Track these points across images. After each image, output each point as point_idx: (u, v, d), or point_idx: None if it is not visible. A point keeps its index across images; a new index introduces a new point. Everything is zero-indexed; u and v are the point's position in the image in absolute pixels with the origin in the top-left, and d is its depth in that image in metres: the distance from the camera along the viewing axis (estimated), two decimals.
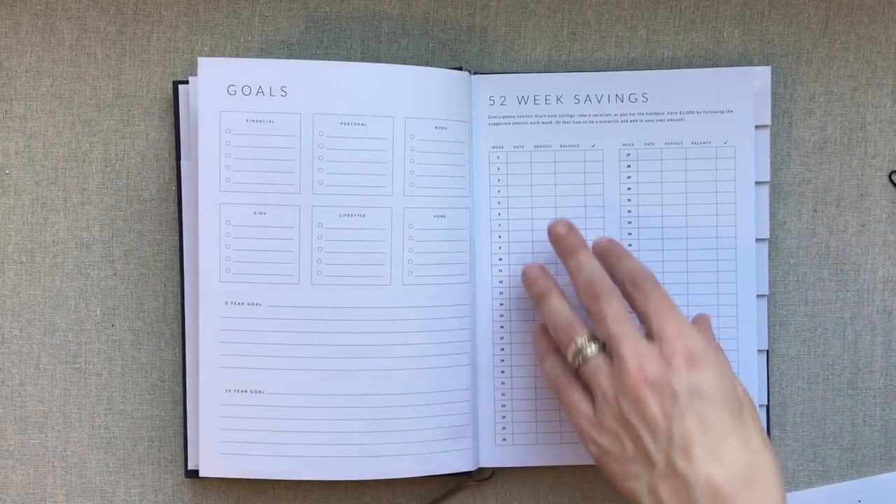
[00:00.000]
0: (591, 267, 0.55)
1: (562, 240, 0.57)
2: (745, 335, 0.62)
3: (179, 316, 0.63)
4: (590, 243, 0.62)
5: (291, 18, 0.64)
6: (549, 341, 0.58)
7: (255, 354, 0.59)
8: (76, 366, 0.64)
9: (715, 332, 0.61)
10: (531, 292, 0.58)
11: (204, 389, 0.60)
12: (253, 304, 0.59)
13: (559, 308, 0.56)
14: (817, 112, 0.64)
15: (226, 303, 0.59)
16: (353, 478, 0.60)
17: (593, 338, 0.54)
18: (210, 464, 0.60)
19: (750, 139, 0.61)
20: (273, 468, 0.60)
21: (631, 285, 0.54)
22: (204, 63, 0.59)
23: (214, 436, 0.60)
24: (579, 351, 0.54)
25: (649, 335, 0.53)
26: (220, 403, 0.60)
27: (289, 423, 0.60)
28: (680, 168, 0.62)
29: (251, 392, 0.60)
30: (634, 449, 0.52)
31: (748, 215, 0.62)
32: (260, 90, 0.59)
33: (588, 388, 0.55)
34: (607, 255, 0.57)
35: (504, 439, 0.62)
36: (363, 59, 0.64)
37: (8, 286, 0.63)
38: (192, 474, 0.63)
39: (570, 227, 0.57)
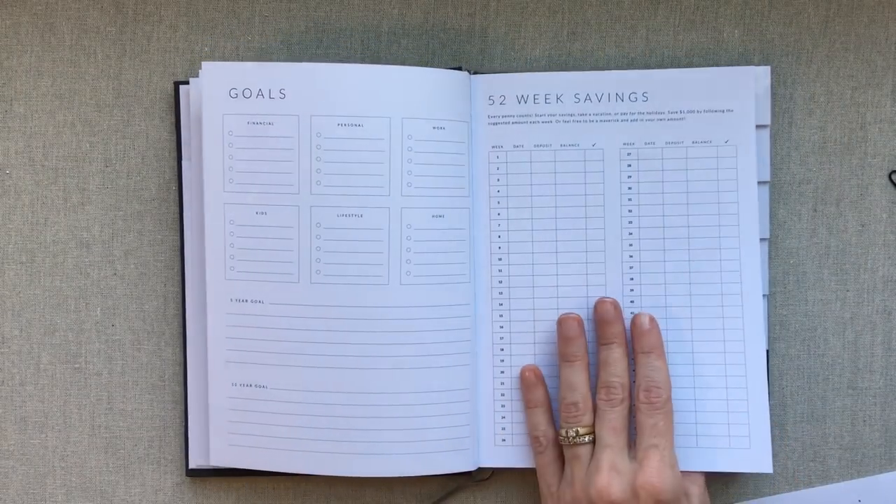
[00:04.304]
0: (617, 370, 0.59)
1: (606, 326, 0.60)
2: (751, 335, 0.61)
3: (179, 316, 0.63)
4: (590, 244, 0.62)
5: (291, 19, 0.64)
6: (543, 394, 0.61)
7: (258, 350, 0.60)
8: (76, 366, 0.64)
9: (720, 333, 0.61)
10: (561, 348, 0.61)
11: (212, 383, 0.60)
12: (256, 301, 0.60)
13: (581, 383, 0.60)
14: (817, 112, 0.64)
15: (230, 299, 0.60)
16: (354, 474, 0.60)
17: (591, 430, 0.59)
18: (219, 455, 0.61)
19: (751, 138, 0.61)
20: (275, 461, 0.60)
21: (645, 391, 0.58)
22: (206, 67, 0.59)
23: (223, 427, 0.60)
24: (576, 435, 0.59)
25: (636, 448, 0.58)
26: (227, 396, 0.60)
27: (290, 419, 0.60)
28: (681, 167, 0.62)
29: (255, 387, 0.60)
30: None
31: (751, 214, 0.61)
32: (260, 93, 0.59)
33: (562, 458, 0.60)
34: (639, 328, 0.60)
35: (504, 439, 0.62)
36: (363, 60, 0.64)
37: (8, 286, 0.63)
38: (193, 473, 0.63)
39: (615, 315, 0.60)
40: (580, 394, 0.59)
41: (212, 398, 0.61)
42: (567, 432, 0.59)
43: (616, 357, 0.60)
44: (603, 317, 0.61)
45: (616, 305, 0.61)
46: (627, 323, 0.61)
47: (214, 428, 0.61)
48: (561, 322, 0.61)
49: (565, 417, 0.59)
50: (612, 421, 0.58)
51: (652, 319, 0.60)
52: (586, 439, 0.59)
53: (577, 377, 0.60)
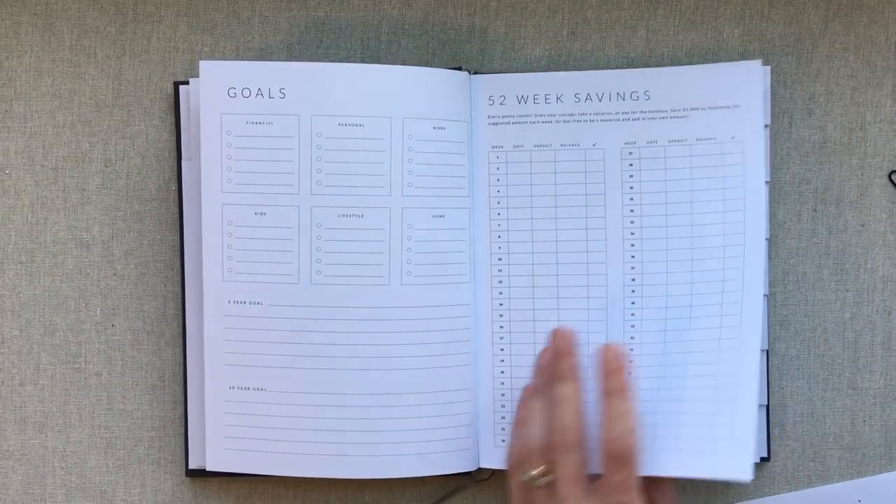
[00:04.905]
0: (568, 414, 0.55)
1: (559, 358, 0.57)
2: (748, 335, 0.60)
3: (180, 316, 0.63)
4: (591, 244, 0.62)
5: (291, 19, 0.64)
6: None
7: (256, 353, 0.60)
8: (76, 366, 0.64)
9: (717, 331, 0.60)
10: (535, 376, 0.59)
11: (209, 386, 0.60)
12: (254, 302, 0.60)
13: (536, 432, 0.55)
14: (817, 112, 0.64)
15: (228, 301, 0.60)
16: (354, 476, 0.60)
17: (547, 472, 0.54)
18: (215, 459, 0.60)
19: (759, 133, 0.60)
20: (275, 465, 0.60)
21: (609, 442, 0.54)
22: (205, 66, 0.59)
23: (220, 431, 0.60)
24: (532, 479, 0.54)
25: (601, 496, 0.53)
26: (225, 400, 0.60)
27: (290, 421, 0.60)
28: (685, 166, 0.61)
29: (253, 389, 0.60)
30: None
31: (759, 212, 0.60)
32: (259, 92, 0.59)
33: None
34: (603, 367, 0.57)
35: (504, 440, 0.62)
36: (363, 60, 0.64)
37: (8, 286, 0.63)
38: (193, 473, 0.63)
39: (571, 349, 0.57)
40: (535, 442, 0.55)
41: (208, 402, 0.60)
42: (526, 475, 0.55)
43: (566, 394, 0.55)
44: (558, 348, 0.57)
45: (571, 337, 0.57)
46: (628, 318, 0.61)
47: (211, 432, 0.60)
48: (540, 356, 0.59)
49: (518, 463, 0.56)
50: (567, 468, 0.54)
51: (618, 356, 0.56)
52: (542, 481, 0.54)
53: (537, 427, 0.56)
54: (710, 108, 0.61)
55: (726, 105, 0.61)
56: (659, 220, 0.61)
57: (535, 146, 0.62)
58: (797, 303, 0.64)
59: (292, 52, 0.64)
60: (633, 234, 0.61)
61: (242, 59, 0.63)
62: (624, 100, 0.62)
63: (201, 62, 0.59)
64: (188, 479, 0.64)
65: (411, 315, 0.60)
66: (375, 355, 0.60)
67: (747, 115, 0.60)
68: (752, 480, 0.63)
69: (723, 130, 0.61)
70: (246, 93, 0.59)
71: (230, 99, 0.59)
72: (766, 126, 0.62)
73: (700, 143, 0.61)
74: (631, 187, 0.61)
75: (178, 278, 0.63)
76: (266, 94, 0.59)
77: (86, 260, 0.64)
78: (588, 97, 0.62)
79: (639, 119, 0.61)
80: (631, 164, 0.62)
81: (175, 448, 0.64)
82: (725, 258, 0.60)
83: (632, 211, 0.61)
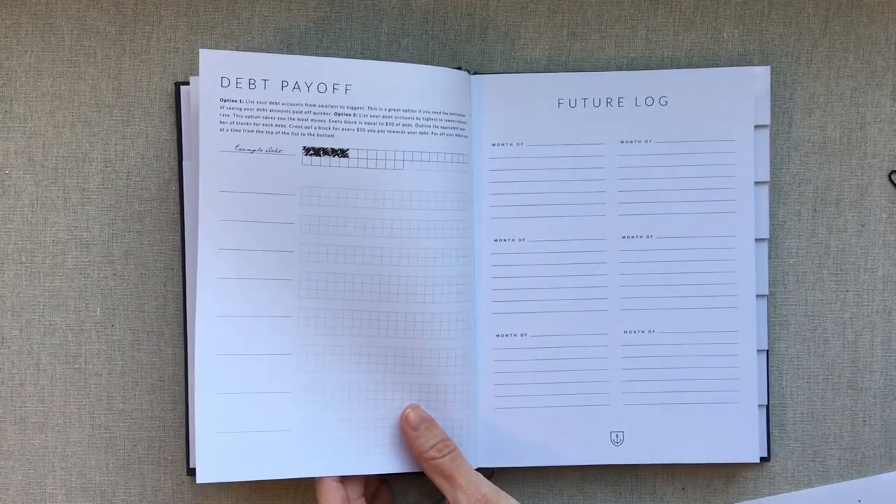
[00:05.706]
0: None
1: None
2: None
3: (180, 316, 0.63)
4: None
5: (291, 18, 0.64)
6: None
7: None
8: (76, 366, 0.64)
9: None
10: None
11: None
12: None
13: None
14: (817, 112, 0.64)
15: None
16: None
17: None
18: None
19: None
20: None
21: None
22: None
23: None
24: None
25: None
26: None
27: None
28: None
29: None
30: None
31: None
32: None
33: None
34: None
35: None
36: (363, 59, 0.64)
37: (8, 286, 0.63)
38: (193, 473, 0.62)
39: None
40: None
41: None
42: None
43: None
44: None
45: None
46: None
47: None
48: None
49: None
50: None
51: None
52: None
53: None
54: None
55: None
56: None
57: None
58: (797, 303, 0.64)
59: (292, 53, 0.64)
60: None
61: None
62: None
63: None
64: (188, 478, 0.64)
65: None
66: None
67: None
68: (753, 480, 0.64)
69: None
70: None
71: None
72: (764, 127, 0.62)
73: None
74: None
75: (179, 278, 0.63)
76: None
77: (86, 260, 0.64)
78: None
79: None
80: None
81: (175, 448, 0.64)
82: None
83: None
